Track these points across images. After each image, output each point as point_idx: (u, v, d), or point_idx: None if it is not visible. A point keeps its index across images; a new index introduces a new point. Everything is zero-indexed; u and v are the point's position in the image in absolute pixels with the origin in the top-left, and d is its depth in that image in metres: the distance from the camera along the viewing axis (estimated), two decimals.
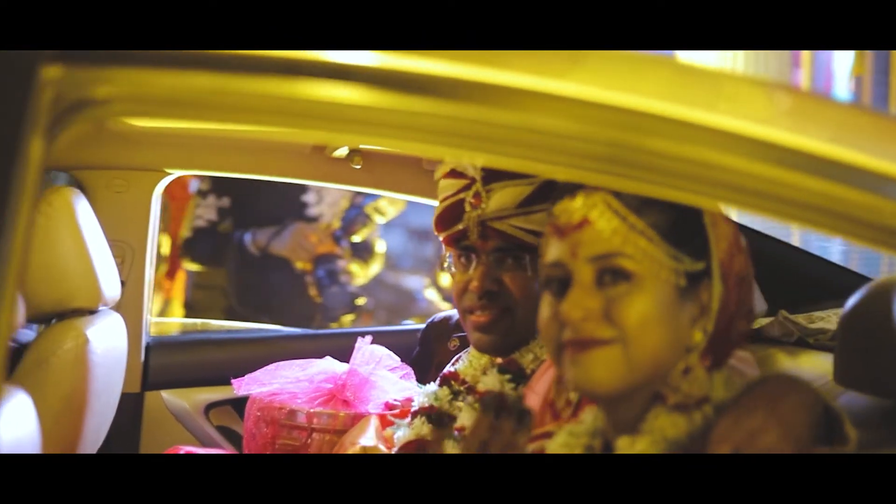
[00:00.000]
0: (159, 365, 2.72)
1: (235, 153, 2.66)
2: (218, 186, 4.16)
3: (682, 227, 1.40)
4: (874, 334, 1.52)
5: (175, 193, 4.35)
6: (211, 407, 2.69)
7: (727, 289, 1.43)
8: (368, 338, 2.39)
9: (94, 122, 1.19)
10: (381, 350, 2.39)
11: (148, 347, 2.73)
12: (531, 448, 1.59)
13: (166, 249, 4.44)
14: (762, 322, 2.16)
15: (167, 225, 4.32)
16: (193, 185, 4.47)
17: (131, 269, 2.64)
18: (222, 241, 4.28)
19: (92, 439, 2.16)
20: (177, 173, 2.70)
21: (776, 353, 2.05)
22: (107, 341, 2.18)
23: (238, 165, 2.73)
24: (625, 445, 1.42)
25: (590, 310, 1.37)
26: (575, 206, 1.41)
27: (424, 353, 2.47)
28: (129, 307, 2.62)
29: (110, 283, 2.22)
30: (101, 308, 2.20)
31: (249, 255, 4.24)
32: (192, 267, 4.41)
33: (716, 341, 1.44)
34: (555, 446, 1.54)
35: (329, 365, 2.39)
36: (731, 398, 1.39)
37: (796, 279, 2.14)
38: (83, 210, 2.19)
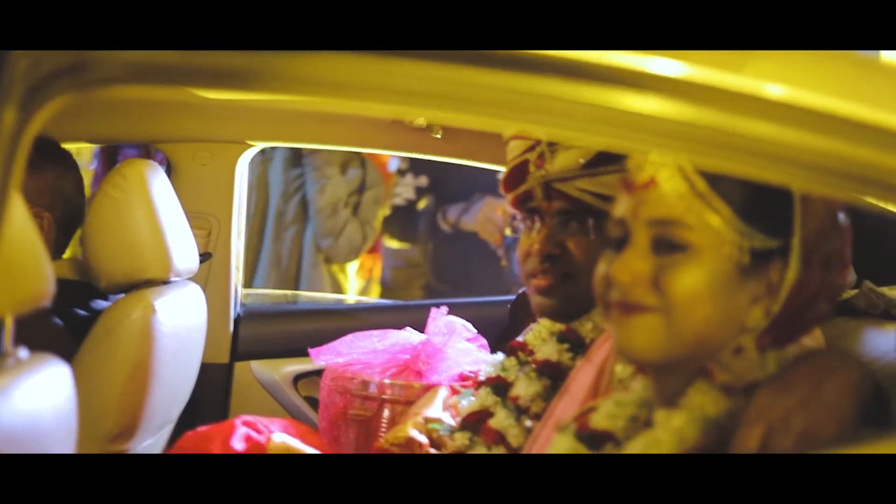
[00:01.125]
0: (249, 336, 2.74)
1: (315, 124, 2.65)
2: (416, 166, 4.19)
3: (760, 202, 1.32)
4: None
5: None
6: (299, 378, 2.70)
7: (808, 270, 1.34)
8: (444, 308, 2.35)
9: (78, 92, 1.18)
10: (457, 321, 2.35)
11: (238, 318, 2.75)
12: (571, 424, 1.53)
13: None
14: (849, 294, 2.05)
15: None
16: (393, 164, 4.52)
17: (217, 241, 2.67)
18: (419, 219, 4.31)
19: (163, 409, 2.18)
20: (260, 145, 2.71)
21: (860, 325, 1.93)
22: (179, 312, 2.19)
23: (318, 136, 2.72)
24: (661, 418, 1.36)
25: (638, 274, 1.32)
26: (646, 164, 1.34)
27: (514, 323, 2.42)
28: (216, 279, 2.66)
29: (184, 255, 2.24)
30: (174, 279, 2.22)
31: (442, 232, 4.26)
32: (393, 244, 4.45)
33: (782, 322, 1.35)
34: (599, 417, 1.48)
35: (406, 336, 2.36)
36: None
37: (884, 249, 2.00)
38: (158, 182, 2.21)
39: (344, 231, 4.14)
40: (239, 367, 2.72)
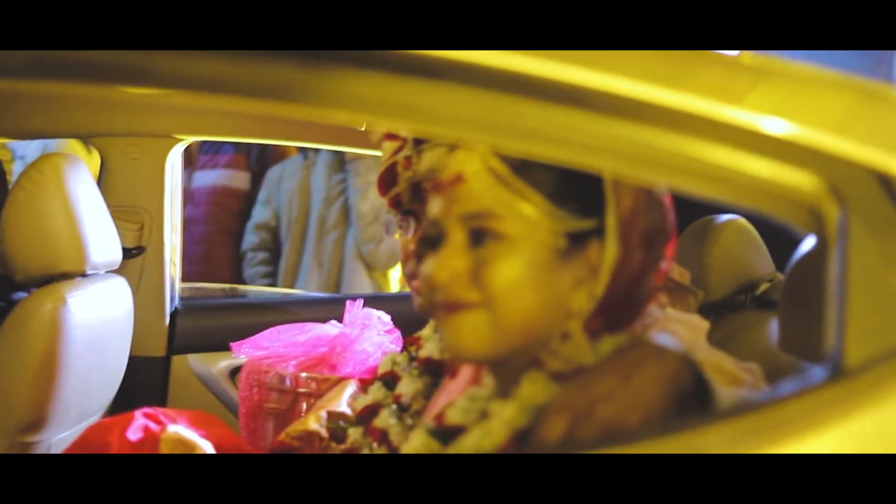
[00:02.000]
0: (187, 329, 2.76)
1: (240, 119, 2.66)
2: None
3: (570, 184, 1.31)
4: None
5: None
6: (235, 371, 2.71)
7: (627, 247, 1.33)
8: (360, 301, 2.35)
9: None
10: (375, 313, 2.35)
11: (175, 312, 2.77)
12: (430, 421, 1.53)
13: None
14: (764, 287, 2.05)
15: None
16: None
17: (150, 236, 2.68)
18: None
19: (78, 401, 2.20)
20: (188, 139, 2.72)
21: (768, 316, 1.91)
22: (96, 305, 2.21)
23: (242, 130, 2.73)
24: (495, 409, 1.34)
25: (455, 271, 1.30)
26: (452, 161, 1.34)
27: None
28: (149, 272, 2.67)
29: (103, 249, 2.26)
30: (92, 272, 2.23)
31: None
32: None
33: (609, 304, 1.34)
34: (453, 412, 1.47)
35: (327, 329, 2.37)
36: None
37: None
38: (76, 177, 2.22)
39: (385, 237, 4.14)
40: (176, 360, 2.73)
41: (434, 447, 1.45)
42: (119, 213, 2.56)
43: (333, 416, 2.01)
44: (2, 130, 2.63)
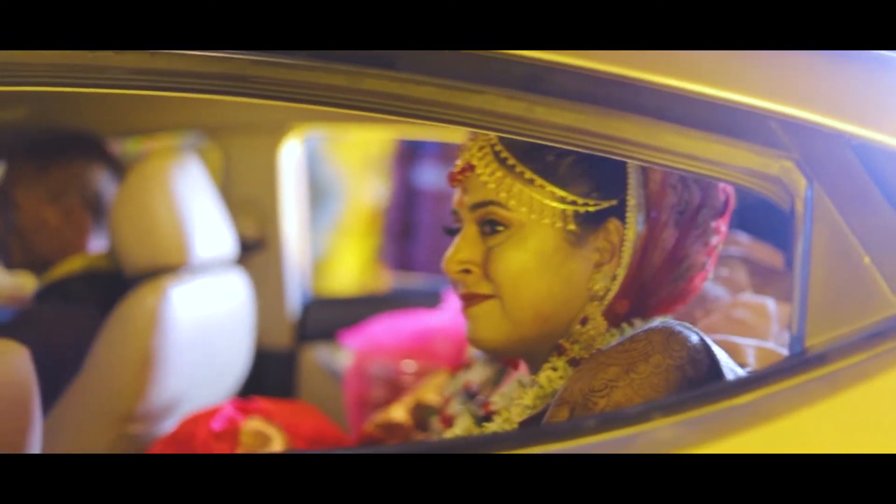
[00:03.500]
0: (317, 322, 2.76)
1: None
2: None
3: (582, 167, 1.27)
4: None
5: None
6: None
7: (655, 226, 1.29)
8: None
9: None
10: None
11: (307, 305, 2.78)
12: (485, 403, 1.48)
13: None
14: None
15: None
16: None
17: (271, 228, 2.71)
18: None
19: (185, 393, 2.22)
20: (304, 131, 2.72)
21: None
22: (202, 299, 2.23)
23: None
24: (517, 395, 1.32)
25: (464, 261, 1.30)
26: (464, 152, 1.33)
27: None
28: (271, 265, 2.70)
29: (210, 242, 2.28)
30: (199, 265, 2.26)
31: None
32: None
33: (636, 286, 1.30)
34: (498, 399, 1.44)
35: (435, 319, 2.32)
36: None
37: None
38: (184, 172, 2.25)
39: None
40: (306, 353, 2.74)
41: (475, 431, 1.42)
42: (239, 206, 2.59)
43: (420, 405, 1.96)
44: (125, 128, 2.70)
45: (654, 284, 1.30)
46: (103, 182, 2.36)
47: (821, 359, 0.96)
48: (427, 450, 1.06)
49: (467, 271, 1.29)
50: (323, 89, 1.17)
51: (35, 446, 1.62)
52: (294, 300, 2.77)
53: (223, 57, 1.16)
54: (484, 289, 1.28)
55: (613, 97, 1.06)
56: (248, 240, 2.67)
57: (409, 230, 4.75)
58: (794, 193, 1.03)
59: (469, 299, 1.30)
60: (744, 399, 0.96)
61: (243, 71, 1.19)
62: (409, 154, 4.76)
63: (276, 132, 2.68)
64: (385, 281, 4.51)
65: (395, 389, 2.21)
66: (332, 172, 5.10)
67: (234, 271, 2.42)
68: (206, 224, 2.29)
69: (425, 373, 2.19)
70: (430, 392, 2.02)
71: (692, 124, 1.05)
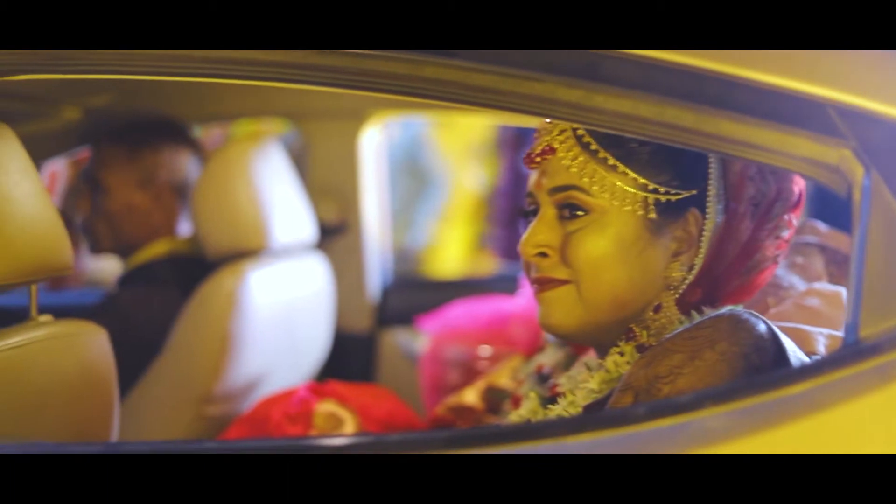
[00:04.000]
0: (396, 306, 2.79)
1: None
2: None
3: (665, 155, 1.27)
4: None
5: None
6: None
7: (734, 216, 1.30)
8: None
9: None
10: None
11: (386, 288, 2.81)
12: (552, 385, 1.50)
13: None
14: None
15: None
16: None
17: (351, 213, 2.74)
18: None
19: (264, 375, 2.26)
20: (383, 118, 2.75)
21: None
22: (281, 282, 2.28)
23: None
24: (583, 379, 1.31)
25: (542, 246, 1.30)
26: (543, 135, 1.34)
27: None
28: (352, 250, 2.73)
29: (289, 227, 2.32)
30: (280, 249, 2.30)
31: None
32: None
33: (712, 276, 1.31)
34: (565, 381, 1.45)
35: (509, 304, 2.33)
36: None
37: None
38: (264, 160, 2.30)
39: None
40: (385, 336, 2.77)
41: (540, 414, 1.43)
42: (321, 191, 2.64)
43: (492, 388, 1.97)
44: (211, 114, 2.76)
45: (726, 275, 1.30)
46: (190, 167, 2.42)
47: (874, 349, 0.95)
48: (476, 436, 1.06)
49: (544, 255, 1.29)
50: (385, 76, 1.18)
51: (114, 426, 1.67)
52: (374, 284, 2.80)
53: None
54: (560, 273, 1.28)
55: (671, 85, 1.06)
56: (330, 224, 2.71)
57: (516, 217, 4.76)
58: (851, 182, 1.01)
59: (544, 283, 1.30)
60: (796, 389, 0.95)
61: (308, 60, 1.20)
62: (516, 141, 4.77)
63: (356, 118, 2.71)
64: (489, 267, 4.50)
65: (470, 373, 2.23)
66: (435, 159, 5.13)
67: (313, 255, 2.46)
68: (286, 209, 2.33)
69: (501, 357, 2.20)
70: (504, 376, 2.03)
71: (750, 112, 1.04)
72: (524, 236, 1.31)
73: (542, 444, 0.99)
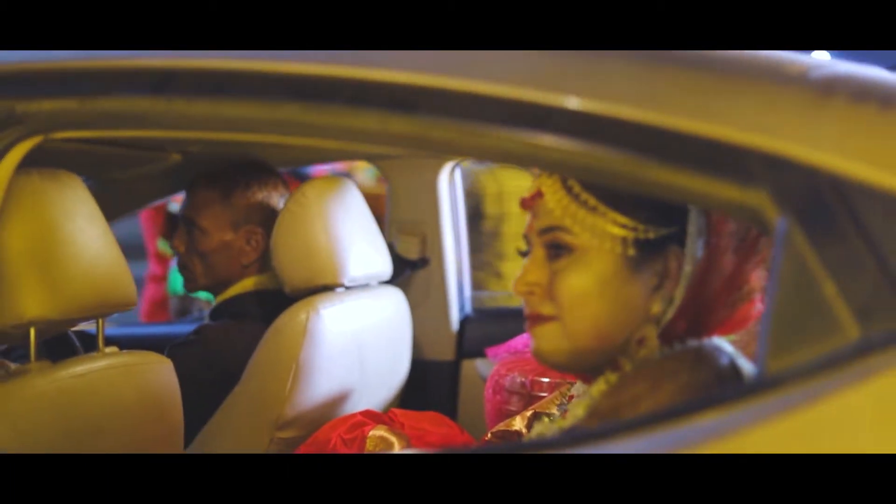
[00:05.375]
0: (477, 336, 2.90)
1: None
2: None
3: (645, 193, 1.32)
4: None
5: None
6: None
7: (714, 252, 1.34)
8: None
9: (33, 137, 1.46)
10: None
11: (465, 319, 2.92)
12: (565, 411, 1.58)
13: None
14: None
15: None
16: None
17: (433, 248, 2.86)
18: None
19: (338, 403, 2.40)
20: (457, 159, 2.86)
21: None
22: (355, 315, 2.41)
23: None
24: (571, 407, 1.40)
25: (532, 284, 1.38)
26: (535, 179, 1.41)
27: None
28: (435, 282, 2.85)
29: (365, 263, 2.46)
30: (352, 284, 2.44)
31: None
32: None
33: (693, 310, 1.35)
34: (573, 407, 1.52)
35: None
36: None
37: None
38: (341, 198, 2.45)
39: None
40: (466, 365, 2.88)
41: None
42: (403, 228, 2.77)
43: (536, 414, 2.05)
44: (291, 158, 2.93)
45: (711, 307, 1.34)
46: (278, 208, 2.59)
47: (777, 381, 1.01)
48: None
49: (532, 293, 1.37)
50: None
51: (178, 452, 1.82)
52: (455, 315, 2.91)
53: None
54: (547, 309, 1.35)
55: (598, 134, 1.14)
56: (413, 259, 2.85)
57: None
58: (768, 224, 1.07)
59: (534, 319, 1.38)
60: (700, 419, 1.02)
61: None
62: None
63: (436, 159, 2.84)
64: None
65: (529, 401, 2.30)
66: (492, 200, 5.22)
67: (388, 289, 2.60)
68: (361, 246, 2.47)
69: (557, 386, 2.27)
70: (553, 404, 2.11)
71: (674, 159, 1.11)
72: (517, 275, 1.39)
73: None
